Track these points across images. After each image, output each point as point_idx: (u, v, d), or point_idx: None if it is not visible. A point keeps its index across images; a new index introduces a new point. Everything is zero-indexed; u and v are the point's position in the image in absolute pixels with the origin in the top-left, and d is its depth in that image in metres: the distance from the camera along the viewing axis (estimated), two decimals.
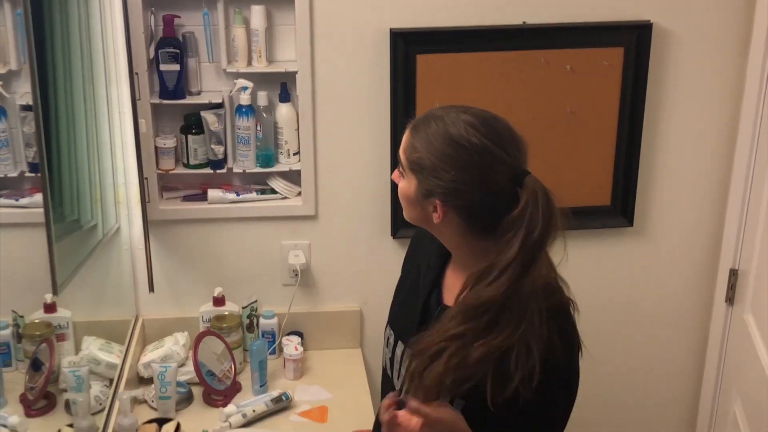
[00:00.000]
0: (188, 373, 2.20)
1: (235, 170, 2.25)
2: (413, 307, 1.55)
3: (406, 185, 1.44)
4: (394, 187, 2.24)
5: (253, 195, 2.28)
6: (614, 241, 2.43)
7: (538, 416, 1.39)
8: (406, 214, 1.48)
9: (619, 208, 2.37)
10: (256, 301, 2.35)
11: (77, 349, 1.79)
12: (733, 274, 2.37)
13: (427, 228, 1.47)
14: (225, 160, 2.24)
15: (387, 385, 1.64)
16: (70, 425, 1.64)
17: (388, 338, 1.62)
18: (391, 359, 1.60)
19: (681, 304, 2.53)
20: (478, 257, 1.42)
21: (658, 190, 2.39)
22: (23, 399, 1.49)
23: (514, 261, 1.31)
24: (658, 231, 2.44)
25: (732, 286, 2.39)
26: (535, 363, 1.31)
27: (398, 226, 2.31)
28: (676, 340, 2.57)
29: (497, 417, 1.36)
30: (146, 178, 2.16)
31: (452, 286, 1.51)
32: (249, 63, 2.17)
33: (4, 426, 1.36)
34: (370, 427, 1.80)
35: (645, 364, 2.59)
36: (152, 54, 2.13)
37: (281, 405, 2.12)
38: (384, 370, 1.65)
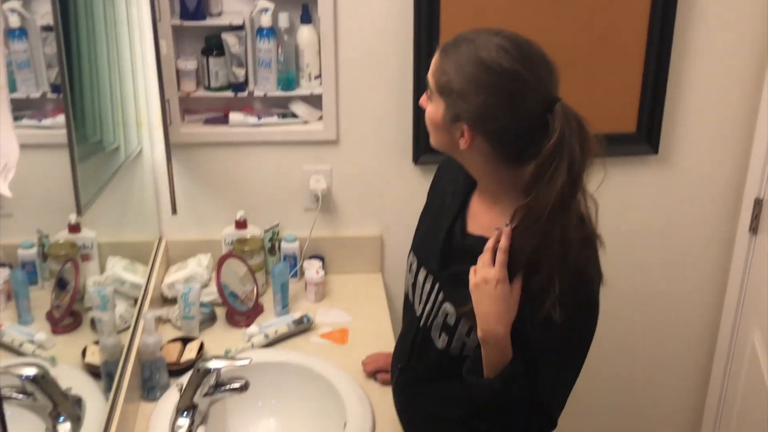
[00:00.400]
0: (211, 294, 2.23)
1: (256, 93, 2.23)
2: (437, 234, 1.55)
3: (434, 109, 1.42)
4: (416, 112, 2.23)
5: (275, 119, 2.27)
6: (638, 169, 2.41)
7: (562, 342, 1.40)
8: (433, 140, 1.47)
9: (644, 135, 2.34)
10: (277, 225, 2.36)
11: (102, 269, 1.81)
12: (758, 203, 2.35)
13: (454, 155, 1.46)
14: (246, 83, 2.22)
15: (408, 310, 1.66)
16: (96, 342, 1.67)
17: (411, 264, 1.63)
18: (413, 285, 1.61)
19: (704, 234, 2.51)
20: (505, 185, 1.42)
21: (684, 117, 2.36)
22: (50, 316, 1.52)
23: (562, 191, 1.30)
24: (684, 159, 2.41)
25: (756, 216, 2.36)
26: (569, 288, 1.32)
27: (420, 151, 2.29)
28: (697, 269, 2.56)
29: (524, 342, 1.38)
30: (168, 101, 2.15)
31: (477, 214, 1.51)
32: None
33: (32, 342, 1.39)
34: (390, 349, 1.83)
35: (665, 292, 2.59)
36: None
37: (302, 327, 2.16)
38: (406, 295, 1.67)
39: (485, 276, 1.37)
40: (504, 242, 1.36)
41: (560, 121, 1.30)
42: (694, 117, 2.36)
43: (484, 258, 1.38)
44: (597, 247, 1.40)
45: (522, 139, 1.35)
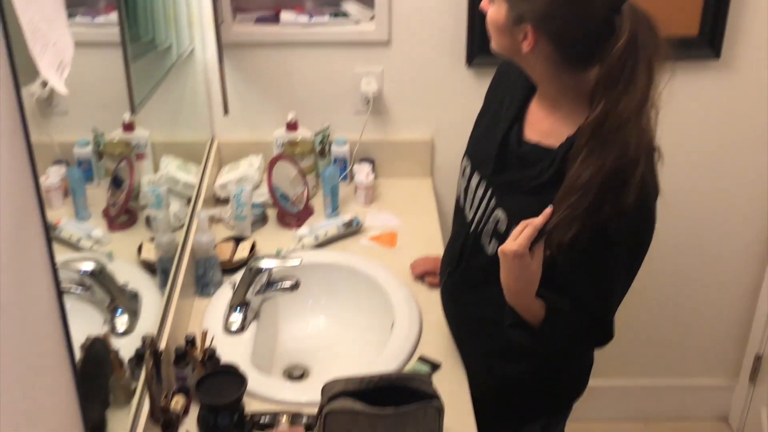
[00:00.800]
0: (263, 195, 2.26)
1: None
2: (492, 139, 1.53)
3: (496, 11, 1.38)
4: (471, 12, 2.17)
5: (326, 18, 2.24)
6: (699, 74, 2.33)
7: (617, 254, 1.39)
8: (494, 44, 1.43)
9: (706, 39, 2.26)
10: (328, 127, 2.35)
11: (156, 168, 1.83)
12: None
13: (515, 59, 1.43)
14: None
15: (459, 215, 1.65)
16: (152, 239, 1.71)
17: (465, 168, 1.62)
18: (466, 189, 1.60)
19: (765, 141, 2.44)
20: (566, 91, 1.38)
21: (750, 20, 2.26)
22: (106, 214, 1.55)
23: (642, 94, 1.25)
24: (746, 64, 2.32)
25: None
26: (629, 196, 1.30)
27: (473, 54, 2.24)
28: (755, 177, 2.50)
29: (578, 255, 1.37)
30: None
31: (535, 120, 1.48)
32: None
33: (89, 238, 1.43)
34: (438, 253, 1.84)
35: (720, 202, 2.54)
36: None
37: (352, 229, 2.17)
38: (457, 199, 1.66)
39: (503, 248, 1.34)
40: (539, 220, 1.32)
41: (629, 21, 1.25)
42: (759, 20, 2.26)
43: (516, 229, 1.35)
44: (655, 159, 1.37)
45: (587, 41, 1.31)
